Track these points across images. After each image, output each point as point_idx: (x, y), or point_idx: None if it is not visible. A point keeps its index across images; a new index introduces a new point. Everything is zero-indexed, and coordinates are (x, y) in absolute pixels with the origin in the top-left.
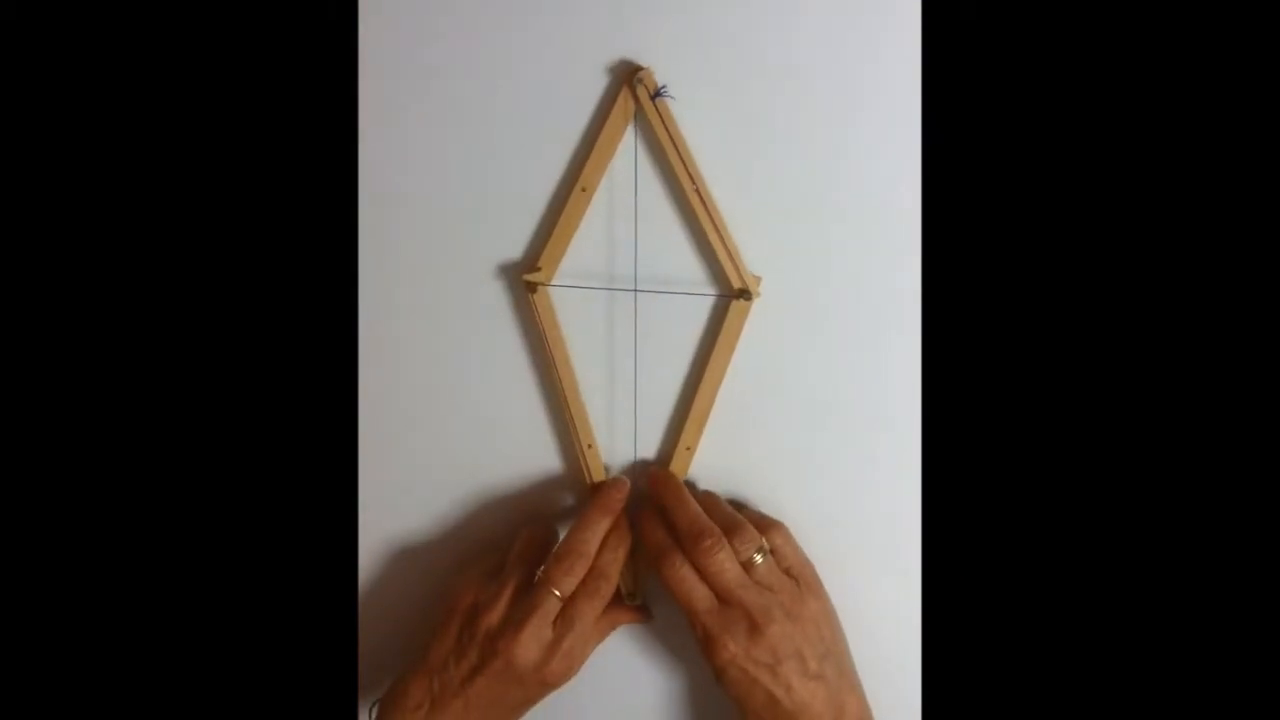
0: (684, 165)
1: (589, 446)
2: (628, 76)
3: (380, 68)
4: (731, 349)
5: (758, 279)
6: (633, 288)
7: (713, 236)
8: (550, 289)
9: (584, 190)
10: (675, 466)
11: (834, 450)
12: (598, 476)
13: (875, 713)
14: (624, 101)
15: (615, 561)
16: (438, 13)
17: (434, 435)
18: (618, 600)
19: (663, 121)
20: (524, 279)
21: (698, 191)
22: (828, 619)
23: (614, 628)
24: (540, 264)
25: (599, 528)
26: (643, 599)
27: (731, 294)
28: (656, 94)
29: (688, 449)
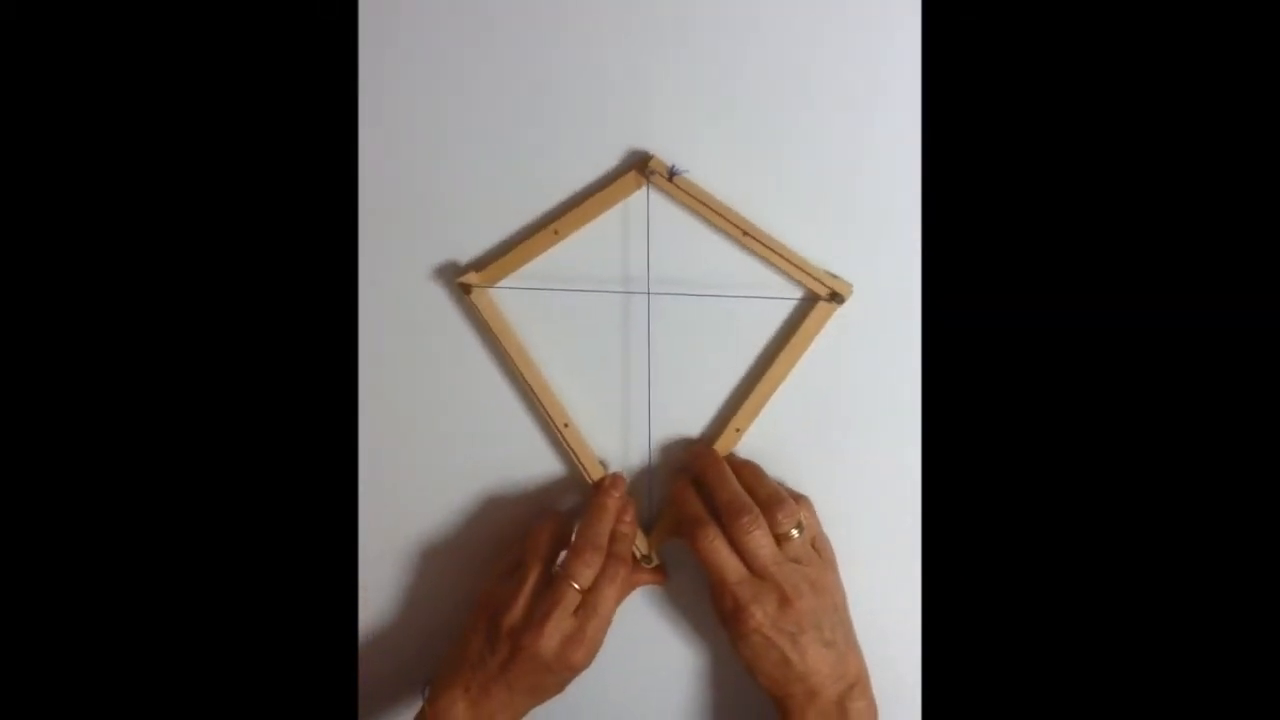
0: (728, 221)
1: (565, 425)
2: (639, 165)
3: (386, 108)
4: (807, 345)
5: (849, 285)
6: (645, 290)
7: (781, 263)
8: (515, 291)
9: (556, 233)
10: (721, 445)
11: (861, 445)
12: (581, 455)
13: (877, 689)
14: (631, 180)
15: (628, 547)
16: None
17: (430, 438)
18: (634, 564)
19: (688, 194)
20: (456, 281)
21: (748, 234)
22: (840, 590)
23: (632, 589)
24: (486, 270)
25: (605, 521)
26: (659, 561)
27: (817, 297)
28: (672, 174)
29: (737, 430)
